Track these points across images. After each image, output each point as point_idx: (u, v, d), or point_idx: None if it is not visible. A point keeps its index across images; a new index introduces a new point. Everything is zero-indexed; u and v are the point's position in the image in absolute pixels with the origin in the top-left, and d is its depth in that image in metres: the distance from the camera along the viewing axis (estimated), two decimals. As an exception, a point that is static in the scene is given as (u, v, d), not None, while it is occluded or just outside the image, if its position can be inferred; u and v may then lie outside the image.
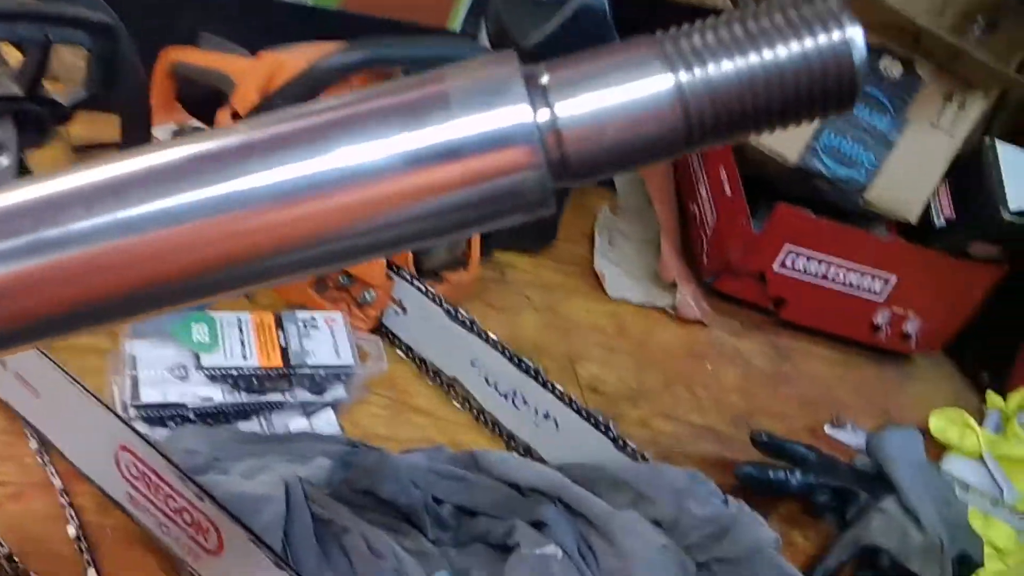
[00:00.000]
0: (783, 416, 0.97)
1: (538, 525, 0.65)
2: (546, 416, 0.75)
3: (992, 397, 1.07)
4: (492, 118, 0.25)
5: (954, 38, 0.89)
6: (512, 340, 0.94)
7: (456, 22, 1.10)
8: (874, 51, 0.96)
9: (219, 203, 0.25)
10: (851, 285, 1.03)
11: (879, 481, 0.84)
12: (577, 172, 0.26)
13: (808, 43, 0.25)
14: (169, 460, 0.58)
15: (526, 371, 0.75)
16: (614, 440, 0.71)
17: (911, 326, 1.06)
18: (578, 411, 0.72)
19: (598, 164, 0.26)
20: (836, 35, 0.25)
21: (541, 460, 0.76)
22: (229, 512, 0.56)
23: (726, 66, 0.25)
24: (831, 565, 0.77)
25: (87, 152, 0.94)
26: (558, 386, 0.74)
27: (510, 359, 0.76)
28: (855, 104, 0.26)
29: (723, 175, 1.02)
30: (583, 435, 0.73)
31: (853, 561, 0.79)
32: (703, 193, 1.08)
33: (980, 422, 1.02)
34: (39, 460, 0.66)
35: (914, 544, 0.77)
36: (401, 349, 0.85)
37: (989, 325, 1.09)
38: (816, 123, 0.97)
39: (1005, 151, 0.95)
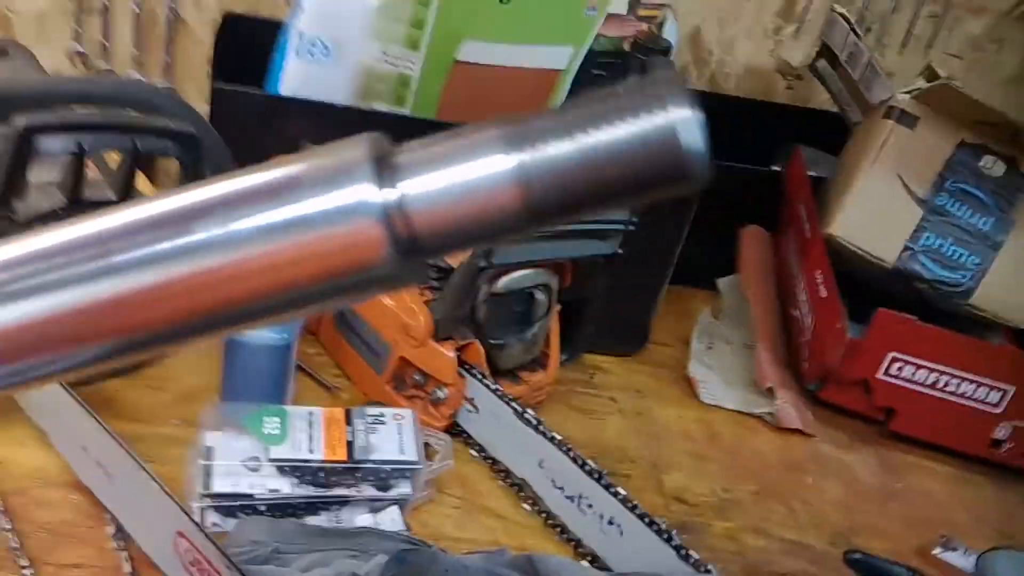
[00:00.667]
0: (888, 535, 0.90)
1: (588, 634, 0.62)
2: (611, 522, 0.72)
3: None
4: (338, 196, 0.26)
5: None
6: (594, 444, 0.93)
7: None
8: (974, 149, 0.92)
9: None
10: (965, 396, 0.96)
11: (989, 610, 0.76)
12: (428, 248, 0.27)
13: (638, 125, 0.26)
14: (219, 549, 0.59)
15: (590, 474, 0.73)
16: (676, 549, 0.68)
17: (1037, 441, 0.97)
18: (641, 517, 0.70)
19: (446, 240, 0.27)
20: (661, 118, 0.26)
21: (607, 568, 0.73)
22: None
23: (565, 146, 0.26)
24: None
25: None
26: (621, 491, 0.72)
27: (575, 461, 0.74)
28: (698, 184, 0.26)
29: (819, 277, 0.98)
30: (647, 542, 0.70)
31: None
32: (801, 297, 1.05)
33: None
34: (115, 545, 0.69)
35: None
36: (474, 449, 0.85)
37: None
38: (914, 225, 0.93)
39: None
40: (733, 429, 1.01)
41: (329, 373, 0.93)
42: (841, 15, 1.03)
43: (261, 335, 0.78)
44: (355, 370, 0.91)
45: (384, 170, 0.27)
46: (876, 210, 0.93)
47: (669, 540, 0.68)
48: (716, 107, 1.18)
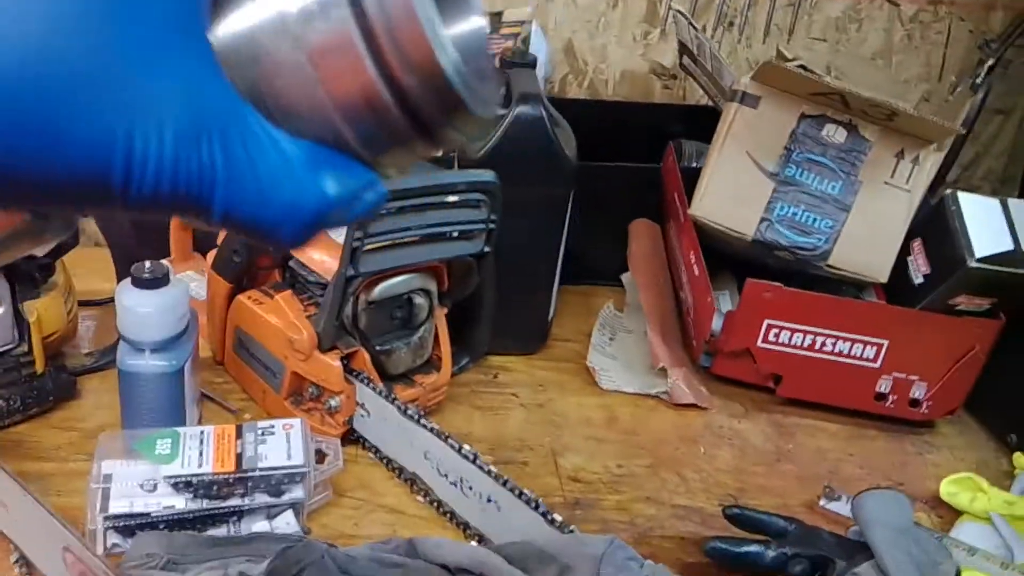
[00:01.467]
0: (777, 492, 0.95)
1: (460, 602, 0.67)
2: (489, 500, 0.77)
3: (1020, 460, 1.01)
4: None
5: (881, 96, 0.90)
6: (495, 438, 0.97)
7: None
8: (815, 120, 0.98)
9: None
10: (844, 354, 1.01)
11: (862, 548, 0.80)
12: None
13: None
14: (99, 558, 0.63)
15: (465, 457, 0.78)
16: (543, 515, 0.72)
17: (918, 391, 1.02)
18: (511, 490, 0.74)
19: None
20: None
21: (493, 544, 0.77)
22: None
23: None
24: (800, 636, 0.74)
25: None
26: (494, 469, 0.77)
27: (454, 448, 0.79)
28: None
29: (692, 257, 1.04)
30: (521, 515, 0.74)
31: (831, 633, 0.76)
32: (683, 278, 1.10)
33: (1010, 487, 0.97)
34: (18, 571, 0.73)
35: (887, 608, 0.74)
36: (370, 451, 0.89)
37: (1009, 382, 1.04)
38: (767, 197, 0.98)
39: (967, 200, 0.93)
40: (632, 411, 1.05)
41: (236, 398, 0.97)
42: (678, 12, 1.10)
43: (149, 363, 0.82)
44: (257, 391, 0.95)
45: None
46: (731, 188, 0.98)
47: (537, 508, 0.73)
48: (599, 112, 1.25)
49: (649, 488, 0.93)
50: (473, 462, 0.77)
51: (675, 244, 1.13)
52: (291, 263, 0.89)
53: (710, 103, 1.23)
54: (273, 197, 0.28)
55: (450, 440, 0.79)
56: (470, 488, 0.78)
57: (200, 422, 0.91)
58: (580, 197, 1.06)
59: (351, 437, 0.90)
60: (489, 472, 0.76)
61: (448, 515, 0.82)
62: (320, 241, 0.88)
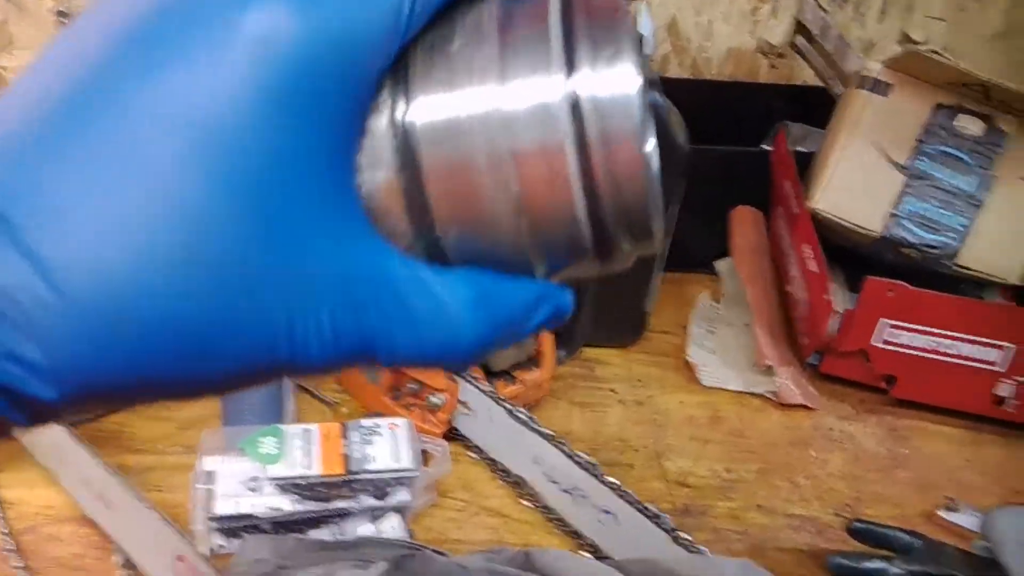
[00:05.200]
0: (895, 502, 0.90)
1: (583, 623, 0.63)
2: (606, 511, 0.73)
3: None
4: None
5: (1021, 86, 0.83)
6: (596, 437, 0.94)
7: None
8: (950, 110, 0.91)
9: None
10: (964, 356, 0.96)
11: (991, 567, 0.76)
12: None
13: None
14: (215, 569, 0.61)
15: (582, 466, 0.74)
16: (668, 532, 0.68)
17: (1042, 396, 0.97)
18: (631, 503, 0.71)
19: None
20: None
21: (607, 557, 0.74)
22: (263, 616, 0.58)
23: None
24: (936, 664, 0.70)
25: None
26: (614, 480, 0.73)
27: (567, 455, 0.75)
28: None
29: (807, 252, 0.98)
30: (642, 529, 0.71)
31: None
32: (794, 272, 1.05)
33: None
34: (122, 574, 0.71)
35: (1031, 638, 0.69)
36: (473, 451, 0.86)
37: None
38: (896, 192, 0.93)
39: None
40: (736, 410, 1.01)
41: (330, 389, 0.95)
42: (803, -11, 1.03)
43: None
44: (353, 384, 0.92)
45: None
46: (857, 180, 0.93)
47: (660, 523, 0.69)
48: (700, 92, 1.20)
49: (761, 495, 0.89)
50: (590, 472, 0.74)
51: (784, 236, 1.07)
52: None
53: (819, 84, 1.17)
54: (428, 341, 0.27)
55: (564, 446, 0.76)
56: (584, 497, 0.75)
57: (296, 415, 0.89)
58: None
59: (452, 435, 0.87)
60: (608, 484, 0.72)
61: (558, 522, 0.78)
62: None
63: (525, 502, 0.82)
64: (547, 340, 0.93)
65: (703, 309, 1.16)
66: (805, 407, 1.01)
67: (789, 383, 1.01)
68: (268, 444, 0.76)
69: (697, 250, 1.20)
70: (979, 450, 0.99)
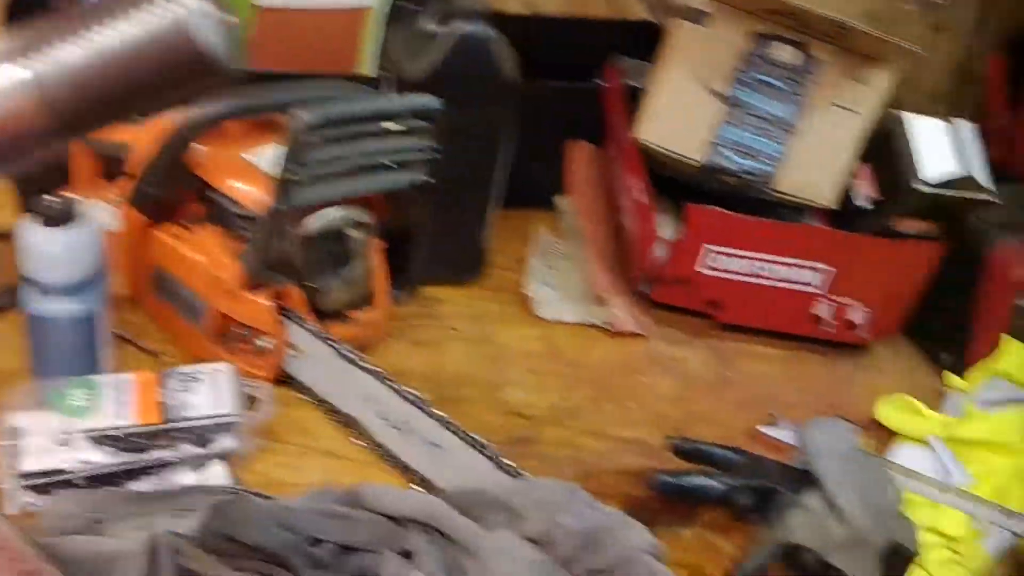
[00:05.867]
0: (719, 421, 0.94)
1: (408, 555, 0.64)
2: (433, 443, 0.74)
3: (950, 378, 1.02)
4: None
5: (834, 13, 0.86)
6: (435, 374, 0.94)
7: (365, 67, 1.12)
8: (766, 39, 0.94)
9: None
10: (784, 279, 1.00)
11: (806, 477, 0.80)
12: None
13: (150, 22, 0.26)
14: (3, 517, 0.58)
15: (407, 400, 0.74)
16: (491, 459, 0.69)
17: (856, 314, 1.02)
18: (456, 433, 0.71)
19: None
20: (171, 12, 0.26)
21: (438, 489, 0.74)
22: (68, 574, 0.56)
23: (78, 50, 0.26)
24: (749, 569, 0.74)
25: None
26: (438, 412, 0.73)
27: (393, 390, 0.75)
28: (224, 76, 0.26)
29: (634, 183, 1.00)
30: (467, 458, 0.71)
31: (779, 563, 0.76)
32: (626, 204, 1.07)
33: (940, 407, 0.98)
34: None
35: (836, 538, 0.73)
36: (305, 394, 0.85)
37: (943, 304, 1.04)
38: (716, 120, 0.95)
39: (915, 122, 0.92)
40: (574, 341, 1.03)
41: (156, 340, 0.91)
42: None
43: (59, 307, 0.75)
44: (180, 333, 0.89)
45: None
46: (680, 111, 0.95)
47: (485, 453, 0.70)
48: (535, 28, 1.19)
49: (593, 421, 0.92)
50: (417, 405, 0.74)
51: (616, 168, 1.09)
52: (215, 195, 0.83)
53: (651, 19, 1.18)
54: None
55: (391, 383, 0.75)
56: (412, 431, 0.75)
57: (115, 366, 0.85)
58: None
59: (283, 379, 0.86)
60: (432, 415, 0.72)
61: (389, 458, 0.78)
62: (247, 171, 0.82)
63: (357, 441, 0.81)
64: (380, 279, 0.92)
65: (543, 244, 1.17)
66: (638, 335, 1.04)
67: (623, 312, 1.03)
68: (77, 396, 0.73)
69: (538, 187, 1.21)
70: (799, 369, 1.04)
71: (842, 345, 1.07)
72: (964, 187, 0.90)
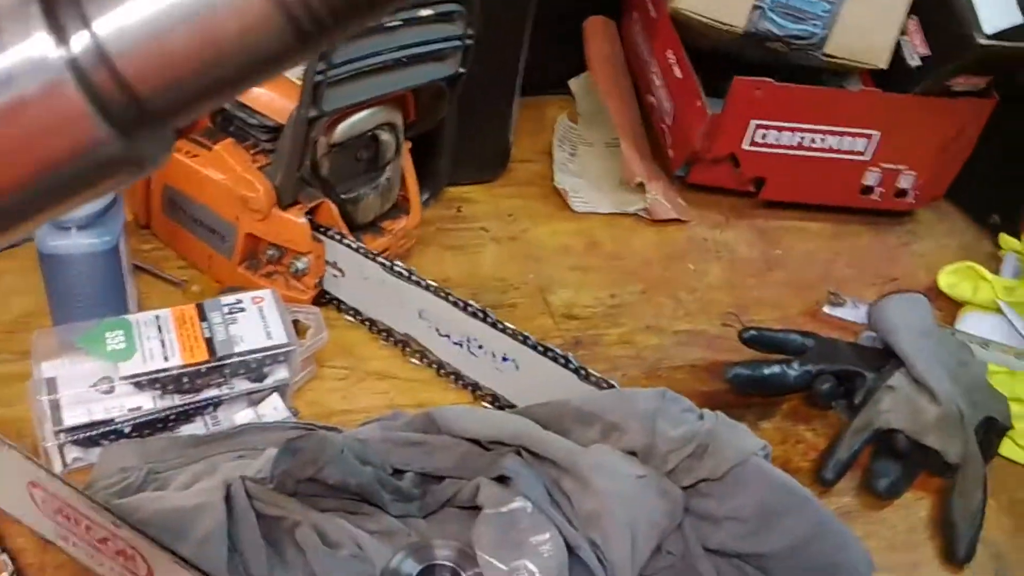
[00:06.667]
0: (777, 304, 0.90)
1: (503, 479, 0.60)
2: (504, 359, 0.69)
3: (1006, 240, 0.98)
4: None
5: None
6: (473, 280, 0.88)
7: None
8: None
9: None
10: (832, 149, 0.95)
11: (886, 357, 0.77)
12: (161, 109, 0.19)
13: None
14: (77, 490, 0.53)
15: (473, 315, 0.69)
16: (575, 371, 0.64)
17: (905, 181, 0.98)
18: (534, 347, 0.66)
19: (185, 91, 0.19)
20: None
21: (510, 406, 0.70)
22: (148, 536, 0.51)
23: None
24: (843, 457, 0.71)
25: None
26: (509, 325, 0.68)
27: (455, 305, 0.70)
28: None
29: (671, 57, 0.93)
30: (545, 372, 0.67)
31: (869, 447, 0.73)
32: (657, 82, 1.00)
33: (997, 270, 0.95)
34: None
35: (928, 418, 0.71)
36: (349, 314, 0.79)
37: (992, 163, 1.00)
38: (758, -19, 0.87)
39: (971, -29, 0.85)
40: (611, 233, 0.98)
41: (174, 267, 0.84)
42: None
43: (78, 242, 0.68)
44: (202, 258, 0.82)
45: (60, 7, 0.18)
46: (717, -27, 0.87)
47: (567, 364, 0.65)
48: None
49: (647, 316, 0.87)
50: (483, 320, 0.68)
51: (642, 43, 1.01)
52: (230, 106, 0.75)
53: None
54: None
55: (451, 297, 0.70)
56: (480, 347, 0.70)
57: (139, 302, 0.78)
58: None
59: (323, 300, 0.80)
60: (504, 329, 0.67)
61: (453, 376, 0.73)
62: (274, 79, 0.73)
63: (414, 360, 0.76)
64: (411, 183, 0.85)
65: (563, 131, 1.10)
66: (677, 220, 0.99)
67: (660, 198, 0.97)
68: (115, 339, 0.66)
69: (552, 71, 1.13)
70: (848, 242, 1.00)
71: (888, 213, 1.02)
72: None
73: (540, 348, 0.66)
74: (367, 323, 0.78)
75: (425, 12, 0.69)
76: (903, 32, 0.90)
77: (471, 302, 0.69)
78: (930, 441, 0.70)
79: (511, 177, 1.04)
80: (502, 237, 0.95)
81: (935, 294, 0.91)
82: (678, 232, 0.99)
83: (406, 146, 0.83)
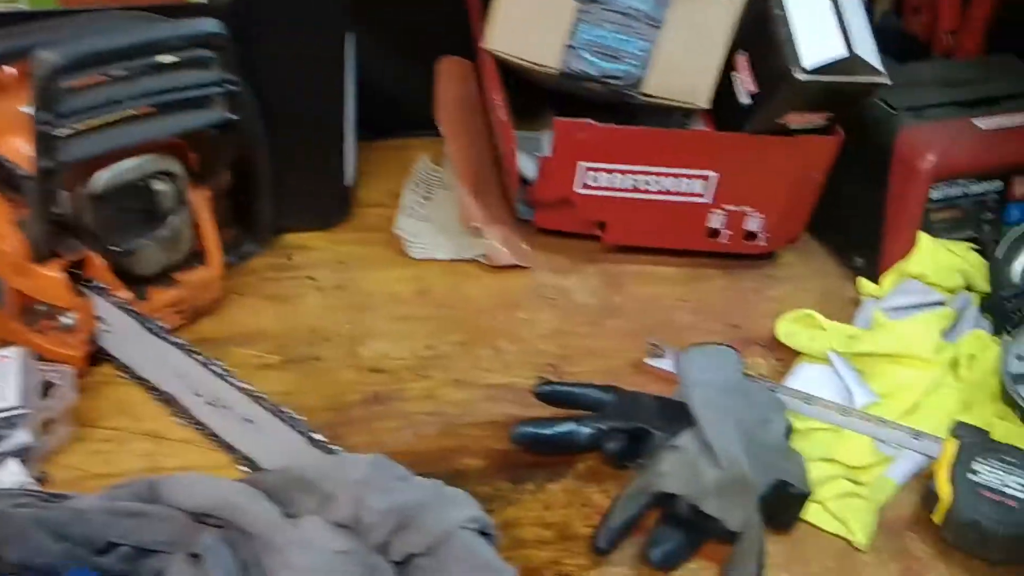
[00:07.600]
0: (604, 354, 0.86)
1: (198, 556, 0.56)
2: (246, 419, 0.65)
3: (863, 284, 0.93)
4: None
5: None
6: (287, 332, 0.85)
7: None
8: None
9: None
10: (670, 191, 0.91)
11: (684, 413, 0.72)
12: None
13: None
14: None
15: (216, 373, 0.65)
16: (302, 433, 0.61)
17: (753, 223, 0.93)
18: (265, 407, 0.63)
19: None
20: None
21: (261, 469, 0.66)
22: None
23: None
24: (615, 524, 0.66)
25: None
26: (247, 385, 0.64)
27: (201, 363, 0.66)
28: None
29: (496, 99, 0.90)
30: (282, 435, 0.63)
31: (653, 512, 0.68)
32: (494, 123, 0.96)
33: (854, 317, 0.90)
34: None
35: (708, 482, 0.66)
36: (123, 372, 0.76)
37: (853, 201, 0.95)
38: (570, 21, 0.84)
39: (794, 4, 0.81)
40: (447, 280, 0.94)
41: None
42: None
43: None
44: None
45: None
46: (527, 12, 0.84)
47: (296, 428, 0.61)
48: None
49: (460, 369, 0.83)
50: (224, 378, 0.65)
51: (482, 83, 0.98)
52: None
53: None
54: None
55: (196, 355, 0.66)
56: (226, 407, 0.66)
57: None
58: (380, 34, 0.96)
59: (102, 357, 0.76)
60: (240, 388, 0.64)
61: (212, 437, 0.70)
62: (26, 126, 0.71)
63: (180, 420, 0.72)
64: (209, 233, 0.82)
65: (420, 173, 1.07)
66: (519, 267, 0.95)
67: (496, 243, 0.94)
68: None
69: (415, 111, 1.10)
70: (698, 287, 0.95)
71: (746, 257, 0.98)
72: (852, 70, 0.80)
73: (271, 407, 0.62)
74: (140, 381, 0.74)
75: (167, 59, 0.67)
76: (733, 68, 0.86)
77: (213, 359, 0.66)
78: (708, 507, 0.65)
79: (357, 223, 1.00)
80: (327, 286, 0.91)
81: (776, 344, 0.87)
82: (519, 279, 0.95)
83: (199, 194, 0.80)
